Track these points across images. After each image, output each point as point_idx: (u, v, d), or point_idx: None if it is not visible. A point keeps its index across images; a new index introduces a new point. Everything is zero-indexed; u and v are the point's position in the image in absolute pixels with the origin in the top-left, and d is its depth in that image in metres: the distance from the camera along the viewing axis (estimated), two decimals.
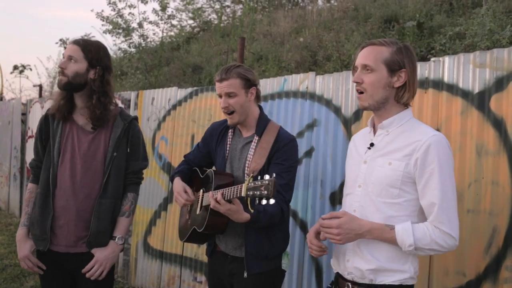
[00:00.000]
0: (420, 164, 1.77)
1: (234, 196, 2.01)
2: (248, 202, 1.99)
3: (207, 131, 2.62)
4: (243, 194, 1.94)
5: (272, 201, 1.87)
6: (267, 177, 1.89)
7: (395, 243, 1.77)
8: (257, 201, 1.91)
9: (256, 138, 2.38)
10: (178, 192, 2.42)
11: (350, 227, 1.79)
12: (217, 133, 2.53)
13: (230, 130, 2.49)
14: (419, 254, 1.80)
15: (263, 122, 2.41)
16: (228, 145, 2.46)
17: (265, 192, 1.86)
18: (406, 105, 1.90)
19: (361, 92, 1.88)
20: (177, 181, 2.49)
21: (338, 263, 1.98)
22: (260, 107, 2.49)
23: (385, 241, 1.80)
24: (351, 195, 1.95)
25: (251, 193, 1.90)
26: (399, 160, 1.80)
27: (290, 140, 2.36)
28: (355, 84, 1.90)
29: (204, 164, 2.59)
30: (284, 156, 2.30)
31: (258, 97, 2.45)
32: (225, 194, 2.07)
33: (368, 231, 1.80)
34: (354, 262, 1.88)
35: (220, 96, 2.37)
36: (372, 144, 1.92)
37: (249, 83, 2.36)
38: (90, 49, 2.40)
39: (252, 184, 1.91)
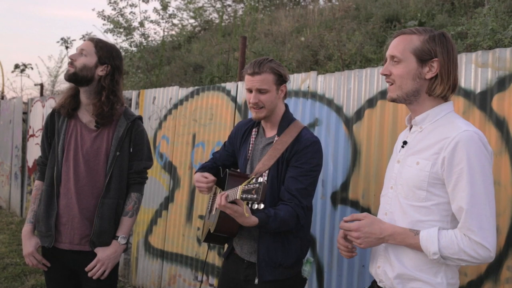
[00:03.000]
0: (448, 163, 1.59)
1: (233, 198, 1.94)
2: (244, 205, 1.92)
3: (233, 130, 2.56)
4: (237, 196, 1.85)
5: (262, 205, 1.79)
6: (260, 179, 1.80)
7: (419, 249, 1.64)
8: (249, 205, 1.84)
9: (276, 138, 2.27)
10: (197, 179, 2.35)
11: (370, 231, 1.70)
12: (242, 133, 2.46)
13: (254, 130, 2.42)
14: (449, 263, 1.64)
15: (286, 122, 2.30)
16: (250, 145, 2.38)
17: (255, 195, 1.77)
18: (444, 99, 1.73)
19: (391, 84, 1.76)
20: (197, 173, 2.44)
21: (373, 269, 1.87)
22: (286, 106, 2.38)
23: (410, 247, 1.67)
24: (384, 197, 1.84)
25: (244, 196, 1.81)
26: (427, 159, 1.66)
27: (312, 142, 2.22)
28: (384, 76, 1.79)
29: (229, 163, 2.52)
30: (303, 159, 2.17)
31: (285, 95, 2.35)
32: (229, 196, 1.98)
33: (390, 236, 1.69)
34: (384, 268, 1.78)
35: (250, 91, 2.26)
36: (405, 142, 1.80)
37: (281, 80, 2.27)
38: (102, 46, 2.44)
39: (247, 186, 1.82)
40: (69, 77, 2.40)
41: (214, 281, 3.88)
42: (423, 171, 1.66)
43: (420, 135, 1.74)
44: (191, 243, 4.11)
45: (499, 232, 2.29)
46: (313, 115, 3.26)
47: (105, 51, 2.42)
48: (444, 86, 1.69)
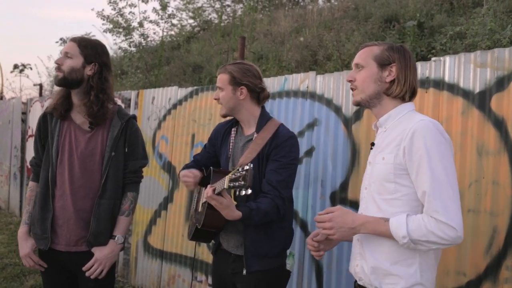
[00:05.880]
0: (408, 152, 1.69)
1: (220, 189, 2.03)
2: (232, 194, 2.01)
3: (213, 131, 2.64)
4: (225, 186, 1.96)
5: (249, 191, 1.89)
6: (246, 167, 1.90)
7: (390, 237, 1.69)
8: (237, 193, 1.93)
9: (255, 135, 2.39)
10: (184, 174, 2.44)
11: (343, 221, 1.77)
12: (222, 133, 2.55)
13: (233, 129, 2.51)
14: (420, 248, 1.67)
15: (263, 120, 2.42)
16: (231, 144, 2.48)
17: (242, 182, 1.87)
18: (402, 100, 1.86)
19: (355, 89, 1.92)
20: (183, 170, 2.51)
21: (353, 268, 1.94)
22: (263, 107, 2.50)
23: (381, 235, 1.73)
24: (362, 199, 1.95)
25: (232, 184, 1.92)
26: (390, 152, 1.77)
27: (289, 137, 2.35)
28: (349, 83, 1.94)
29: (210, 164, 2.58)
30: (282, 153, 2.30)
31: (258, 99, 2.45)
32: (216, 188, 2.08)
33: (362, 225, 1.75)
34: (361, 265, 1.86)
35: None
36: (373, 144, 1.93)
37: (235, 81, 2.38)
38: (86, 45, 2.40)
39: (233, 175, 1.94)
40: (59, 83, 2.39)
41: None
42: (388, 164, 1.76)
43: (385, 134, 1.86)
44: (191, 243, 4.11)
45: (498, 232, 2.29)
46: (312, 115, 3.26)
47: (89, 49, 2.39)
48: (401, 88, 1.83)
